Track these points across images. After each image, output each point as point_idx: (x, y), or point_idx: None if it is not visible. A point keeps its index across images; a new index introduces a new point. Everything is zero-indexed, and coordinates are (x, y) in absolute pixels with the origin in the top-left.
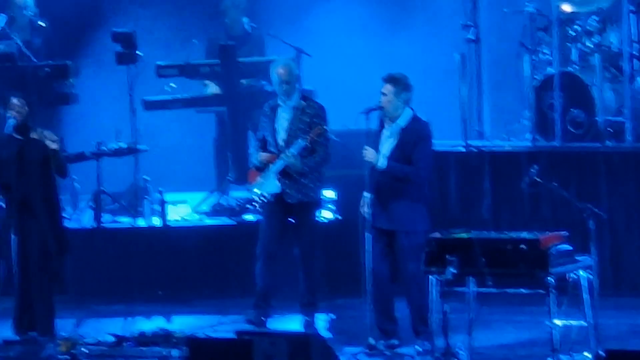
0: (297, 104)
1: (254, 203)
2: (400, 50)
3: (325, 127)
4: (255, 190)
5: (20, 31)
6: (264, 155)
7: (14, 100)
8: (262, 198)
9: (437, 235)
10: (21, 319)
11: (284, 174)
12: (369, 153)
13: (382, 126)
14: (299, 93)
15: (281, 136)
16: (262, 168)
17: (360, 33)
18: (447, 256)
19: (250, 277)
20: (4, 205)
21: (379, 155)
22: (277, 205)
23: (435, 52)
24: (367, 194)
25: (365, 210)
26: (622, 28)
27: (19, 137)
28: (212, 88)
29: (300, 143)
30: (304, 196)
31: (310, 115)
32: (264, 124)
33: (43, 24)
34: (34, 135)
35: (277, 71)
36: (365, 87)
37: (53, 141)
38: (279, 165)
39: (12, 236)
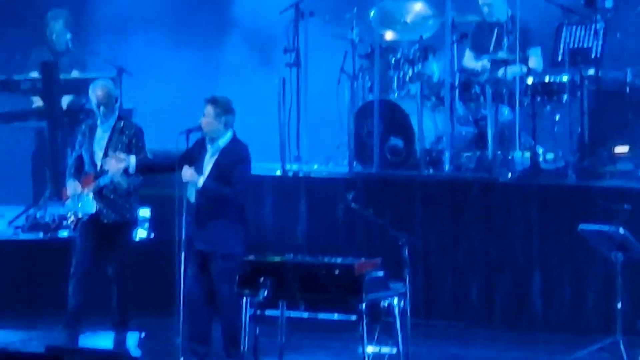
0: (115, 124)
1: (69, 222)
2: (222, 72)
3: (144, 147)
4: (70, 209)
5: None
6: (76, 184)
7: None
8: (77, 217)
9: (251, 257)
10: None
11: (100, 194)
12: (187, 172)
13: (204, 147)
14: (116, 113)
15: (99, 156)
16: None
17: (183, 53)
18: (260, 278)
19: (62, 293)
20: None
21: (199, 176)
22: (92, 225)
23: (257, 74)
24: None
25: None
26: (444, 57)
27: None
28: (39, 103)
29: None
30: (119, 216)
31: (129, 136)
32: (81, 143)
33: None
34: None
35: (95, 93)
36: (187, 107)
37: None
38: (96, 185)
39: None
